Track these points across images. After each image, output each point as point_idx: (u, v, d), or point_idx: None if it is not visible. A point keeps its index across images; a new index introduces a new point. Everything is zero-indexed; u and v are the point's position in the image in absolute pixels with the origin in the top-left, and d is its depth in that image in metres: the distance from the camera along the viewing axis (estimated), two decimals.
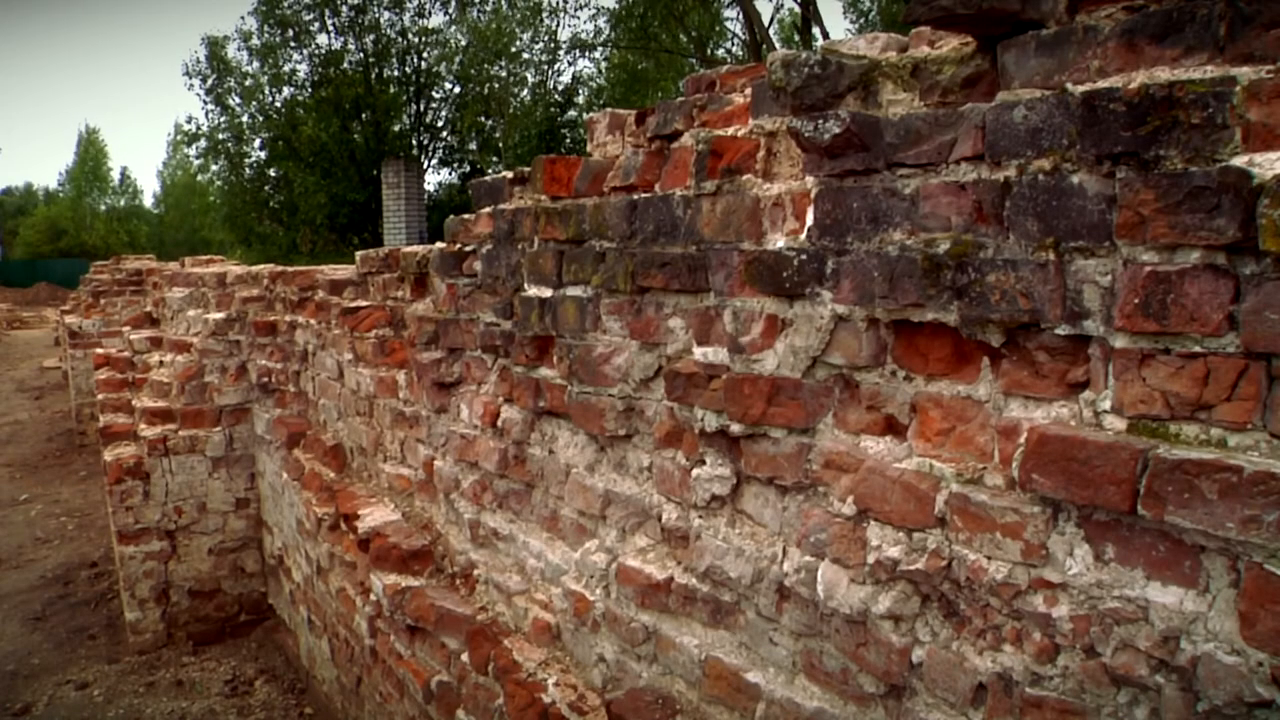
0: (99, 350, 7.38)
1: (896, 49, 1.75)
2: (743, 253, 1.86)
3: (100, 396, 6.58)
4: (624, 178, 2.24)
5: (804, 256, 1.72)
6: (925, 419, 1.58)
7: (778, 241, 1.79)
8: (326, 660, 4.47)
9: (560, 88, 27.43)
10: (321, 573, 4.25)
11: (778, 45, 24.65)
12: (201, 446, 5.52)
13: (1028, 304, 1.36)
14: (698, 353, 2.02)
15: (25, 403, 15.39)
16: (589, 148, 2.58)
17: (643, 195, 2.16)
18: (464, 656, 2.85)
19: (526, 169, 2.70)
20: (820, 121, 1.64)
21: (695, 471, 2.05)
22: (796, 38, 25.14)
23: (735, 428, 1.92)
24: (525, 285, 2.59)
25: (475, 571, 3.00)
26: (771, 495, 1.88)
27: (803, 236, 1.73)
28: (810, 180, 1.72)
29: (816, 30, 23.19)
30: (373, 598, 3.43)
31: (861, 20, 27.46)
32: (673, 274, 2.05)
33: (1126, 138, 1.22)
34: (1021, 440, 1.41)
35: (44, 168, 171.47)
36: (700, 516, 2.06)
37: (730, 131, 1.95)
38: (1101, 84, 1.27)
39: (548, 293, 2.49)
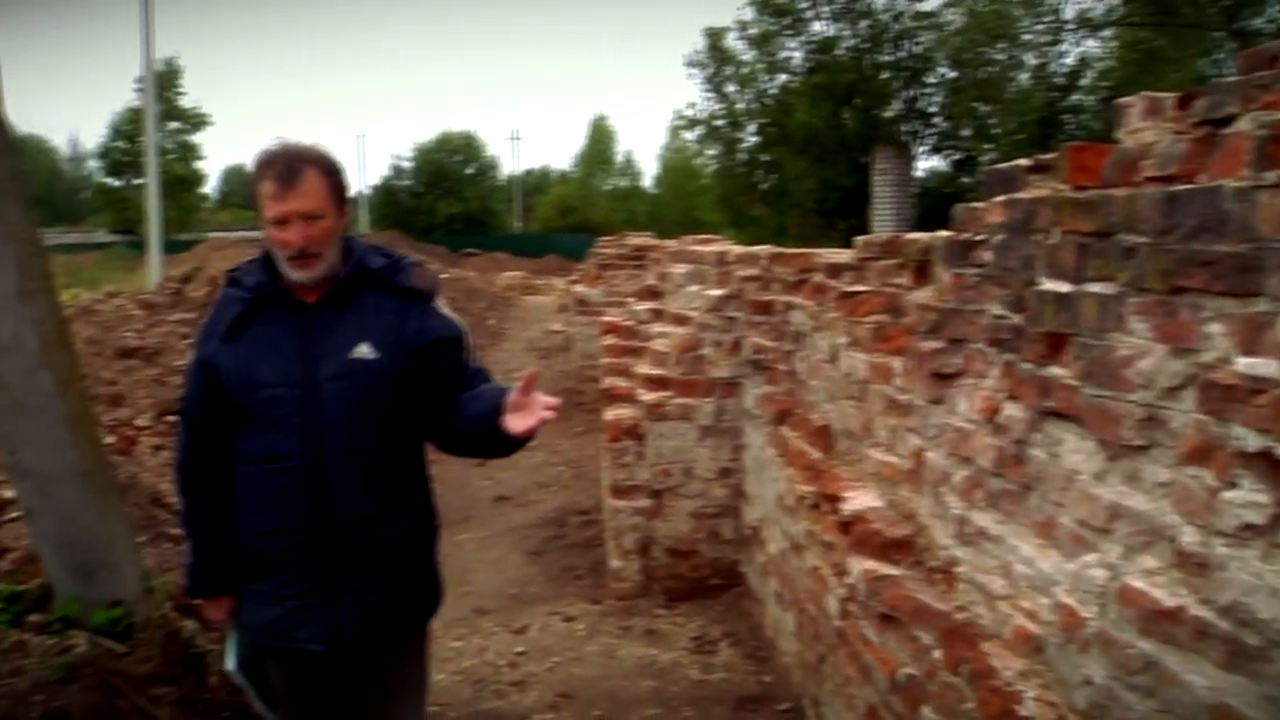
0: (605, 318, 8.05)
1: None
2: None
3: (604, 361, 7.17)
4: (1161, 167, 2.05)
5: None
6: None
7: None
8: (790, 634, 4.57)
9: (1063, 70, 25.79)
10: (797, 549, 4.35)
11: None
12: (693, 415, 5.84)
13: None
14: (1240, 363, 1.81)
15: (533, 360, 17.17)
16: (1120, 134, 2.40)
17: (1183, 186, 1.97)
18: (936, 653, 2.79)
19: (1045, 156, 2.57)
20: None
21: (1225, 494, 1.85)
22: None
23: None
24: (1039, 278, 2.46)
25: (957, 569, 2.92)
26: None
27: None
28: None
29: None
30: (847, 580, 3.45)
31: None
32: (1216, 274, 1.85)
33: None
34: None
35: (559, 152, 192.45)
36: (1226, 545, 1.85)
37: None
38: None
39: (1064, 288, 2.35)
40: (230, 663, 2.93)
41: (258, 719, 4.22)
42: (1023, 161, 2.66)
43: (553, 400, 2.52)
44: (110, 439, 6.39)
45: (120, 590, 4.18)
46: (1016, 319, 2.59)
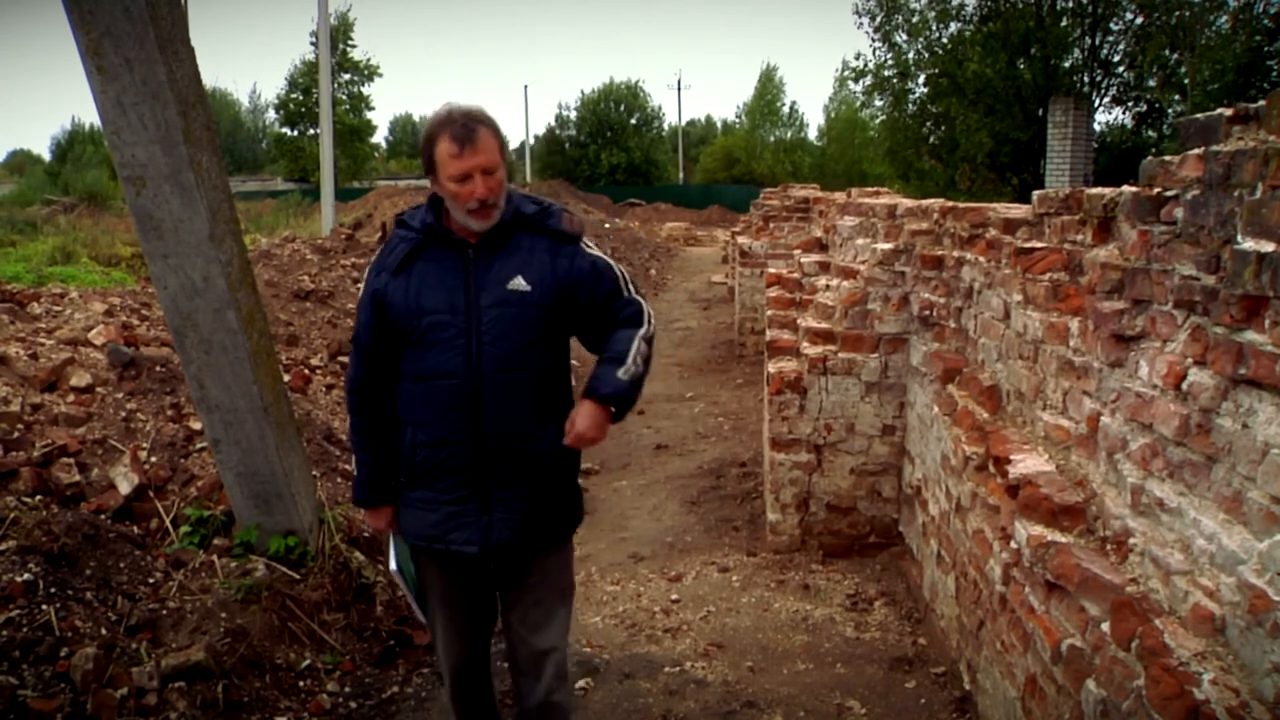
0: (770, 270, 7.97)
1: None
2: None
3: (769, 313, 7.11)
4: None
5: None
6: None
7: None
8: (949, 597, 4.48)
9: (1271, 10, 23.87)
10: (960, 511, 4.25)
11: None
12: (857, 370, 5.75)
13: None
14: None
15: (694, 311, 17.29)
16: None
17: None
18: (1104, 626, 2.69)
19: (1250, 105, 2.39)
20: None
21: None
22: None
23: None
24: (1239, 237, 2.30)
25: (1130, 540, 2.80)
26: None
27: None
28: None
29: None
30: (1012, 545, 3.35)
31: None
32: None
33: None
34: None
35: (722, 101, 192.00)
36: None
37: None
38: None
39: (1268, 247, 2.18)
40: (392, 563, 3.22)
41: (419, 648, 4.40)
42: (1224, 110, 2.49)
43: (582, 430, 2.85)
44: (287, 377, 6.68)
45: (295, 521, 4.39)
46: (1210, 280, 2.43)
